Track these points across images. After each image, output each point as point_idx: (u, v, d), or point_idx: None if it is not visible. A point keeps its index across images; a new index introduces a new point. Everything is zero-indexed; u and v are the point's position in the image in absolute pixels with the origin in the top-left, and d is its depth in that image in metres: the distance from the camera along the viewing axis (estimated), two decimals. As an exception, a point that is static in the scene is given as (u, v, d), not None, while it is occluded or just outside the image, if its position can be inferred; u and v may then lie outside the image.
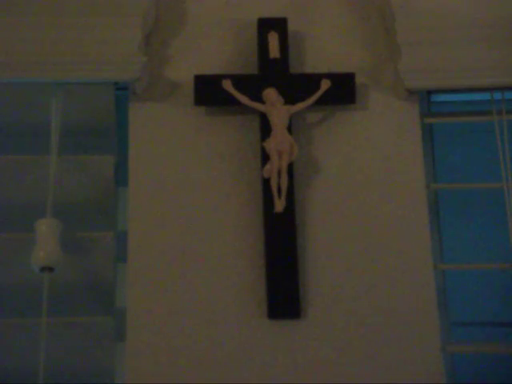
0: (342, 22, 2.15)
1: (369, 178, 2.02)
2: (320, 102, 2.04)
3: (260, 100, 2.02)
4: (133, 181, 2.00)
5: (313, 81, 2.05)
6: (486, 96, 2.09)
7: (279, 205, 1.95)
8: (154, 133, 2.04)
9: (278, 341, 1.89)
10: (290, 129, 2.00)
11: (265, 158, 1.98)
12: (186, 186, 2.00)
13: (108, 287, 1.98)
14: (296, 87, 2.04)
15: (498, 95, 2.08)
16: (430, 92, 2.14)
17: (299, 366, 1.88)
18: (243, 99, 2.02)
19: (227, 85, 2.03)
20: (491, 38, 2.04)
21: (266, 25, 2.09)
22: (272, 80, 2.04)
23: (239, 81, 2.04)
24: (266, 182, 1.97)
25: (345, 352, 1.89)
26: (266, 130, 2.00)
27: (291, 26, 2.10)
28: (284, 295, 1.90)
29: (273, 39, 2.08)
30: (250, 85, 2.04)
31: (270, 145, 1.97)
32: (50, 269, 1.87)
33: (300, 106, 2.02)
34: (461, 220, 2.26)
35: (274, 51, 2.07)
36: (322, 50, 2.13)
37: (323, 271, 1.95)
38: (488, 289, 2.24)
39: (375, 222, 1.98)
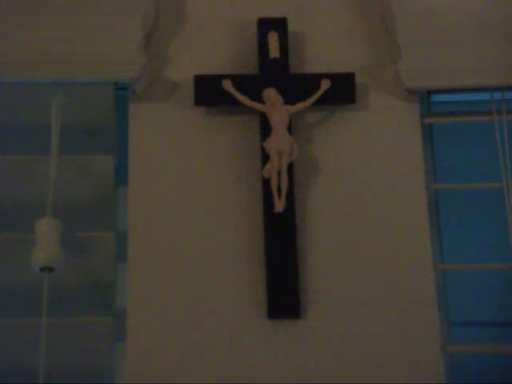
0: (342, 21, 2.15)
1: (369, 178, 2.02)
2: (320, 102, 2.04)
3: (260, 100, 2.02)
4: (133, 181, 2.00)
5: (313, 81, 2.05)
6: (486, 96, 2.09)
7: (279, 205, 1.95)
8: (154, 133, 2.04)
9: (278, 341, 1.89)
10: (290, 129, 2.00)
11: (265, 158, 1.98)
12: (186, 186, 2.00)
13: (108, 287, 1.98)
14: (296, 87, 2.04)
15: (497, 95, 2.07)
16: (430, 92, 2.14)
17: (299, 366, 1.88)
18: (243, 99, 2.02)
19: (227, 85, 2.03)
20: (491, 38, 2.04)
21: (266, 25, 2.09)
22: (272, 80, 2.04)
23: (239, 81, 2.04)
24: (266, 182, 1.97)
25: (345, 352, 1.89)
26: (266, 129, 2.00)
27: (291, 26, 2.10)
28: (284, 295, 1.90)
29: (273, 39, 2.08)
30: (250, 85, 2.04)
31: (270, 145, 1.97)
32: (50, 269, 1.87)
33: (300, 106, 2.02)
34: (461, 220, 2.26)
35: (274, 51, 2.07)
36: (322, 50, 2.13)
37: (323, 271, 1.95)
38: (488, 289, 2.24)
39: (375, 221, 1.98)
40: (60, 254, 1.88)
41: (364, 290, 1.93)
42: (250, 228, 1.97)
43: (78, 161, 2.04)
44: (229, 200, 1.99)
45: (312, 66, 2.11)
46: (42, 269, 1.87)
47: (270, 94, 2.01)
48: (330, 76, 2.05)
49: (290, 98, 2.02)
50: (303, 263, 1.95)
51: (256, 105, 2.02)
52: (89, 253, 1.99)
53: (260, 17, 2.11)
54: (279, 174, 1.96)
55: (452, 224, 2.18)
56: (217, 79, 2.04)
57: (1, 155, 2.04)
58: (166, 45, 2.12)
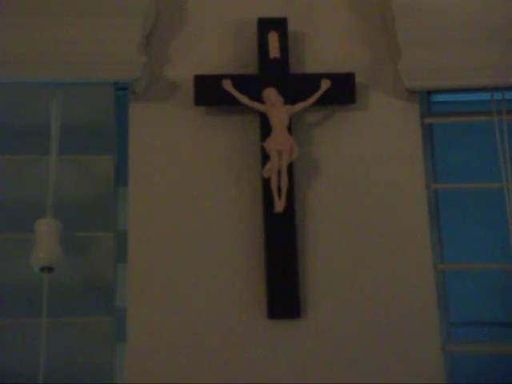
0: (341, 21, 2.15)
1: (369, 177, 2.02)
2: (320, 102, 2.04)
3: (260, 100, 2.02)
4: (133, 181, 2.00)
5: (313, 81, 2.05)
6: (486, 96, 2.09)
7: (279, 205, 1.95)
8: (154, 133, 2.04)
9: (278, 341, 1.89)
10: (290, 129, 2.00)
11: (265, 158, 1.98)
12: (186, 186, 2.00)
13: (108, 287, 1.98)
14: (296, 87, 2.04)
15: (497, 95, 2.08)
16: (430, 92, 2.14)
17: (299, 366, 1.88)
18: (243, 99, 2.02)
19: (227, 85, 2.03)
20: (491, 38, 2.04)
21: (266, 25, 2.09)
22: (272, 80, 2.04)
23: (239, 81, 2.04)
24: (266, 182, 1.97)
25: (345, 352, 1.89)
26: (266, 129, 2.00)
27: (291, 26, 2.10)
28: (284, 295, 1.90)
29: (273, 39, 2.08)
30: (250, 85, 2.04)
31: (270, 145, 1.97)
32: (50, 269, 1.88)
33: (300, 106, 2.02)
34: (461, 220, 2.26)
35: (274, 51, 2.07)
36: (322, 49, 2.13)
37: (323, 271, 1.95)
38: (488, 289, 2.24)
39: (375, 221, 1.98)
40: (60, 254, 1.88)
41: (364, 290, 1.93)
42: (250, 228, 1.97)
43: (78, 161, 2.04)
44: (229, 200, 1.99)
45: (312, 66, 2.11)
46: (42, 269, 1.87)
47: (270, 93, 2.01)
48: (330, 76, 2.05)
49: (289, 98, 2.02)
50: (303, 263, 1.95)
51: (256, 105, 2.02)
52: (89, 253, 1.99)
53: (260, 17, 2.11)
54: (279, 173, 1.96)
55: (452, 224, 2.18)
56: (217, 79, 2.04)
57: (1, 155, 2.04)
58: (166, 45, 2.12)
